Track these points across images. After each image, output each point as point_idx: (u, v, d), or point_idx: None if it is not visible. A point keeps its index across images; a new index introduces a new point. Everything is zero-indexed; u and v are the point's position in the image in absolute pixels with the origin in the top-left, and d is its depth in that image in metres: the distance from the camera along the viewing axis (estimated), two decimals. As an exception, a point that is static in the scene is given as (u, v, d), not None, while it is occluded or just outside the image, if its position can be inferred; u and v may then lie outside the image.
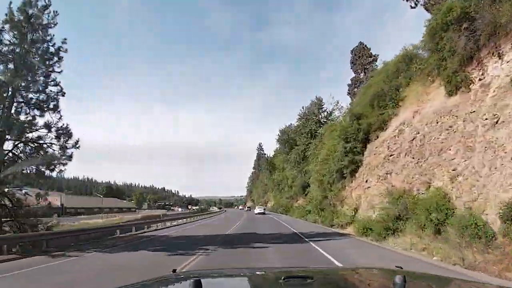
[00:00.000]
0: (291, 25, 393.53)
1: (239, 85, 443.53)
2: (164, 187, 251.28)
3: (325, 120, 44.11)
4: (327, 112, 45.26)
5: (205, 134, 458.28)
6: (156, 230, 24.78)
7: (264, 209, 55.89)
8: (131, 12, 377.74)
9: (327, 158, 27.58)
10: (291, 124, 49.98)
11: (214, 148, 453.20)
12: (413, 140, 16.32)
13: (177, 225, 30.35)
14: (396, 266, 2.10)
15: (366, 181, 21.51)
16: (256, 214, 50.59)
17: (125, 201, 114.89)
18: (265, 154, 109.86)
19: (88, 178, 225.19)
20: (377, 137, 21.53)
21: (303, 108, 47.04)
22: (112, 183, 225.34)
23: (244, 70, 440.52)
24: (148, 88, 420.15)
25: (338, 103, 41.02)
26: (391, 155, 18.79)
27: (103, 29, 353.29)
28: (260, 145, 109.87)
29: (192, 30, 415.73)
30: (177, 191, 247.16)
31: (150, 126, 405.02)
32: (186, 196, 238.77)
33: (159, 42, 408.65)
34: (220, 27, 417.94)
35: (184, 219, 36.52)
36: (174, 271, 2.16)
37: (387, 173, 18.66)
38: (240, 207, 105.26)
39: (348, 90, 42.30)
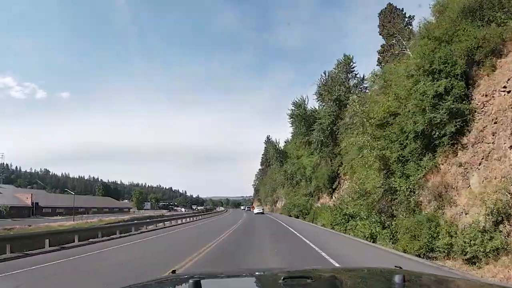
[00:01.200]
0: (298, 23, 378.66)
1: (246, 84, 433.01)
2: (171, 187, 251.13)
3: (357, 87, 30.99)
4: (358, 78, 32.16)
5: (213, 134, 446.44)
6: (129, 235, 19.44)
7: (263, 209, 58.94)
8: (134, 12, 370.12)
9: (389, 122, 14.61)
10: (306, 97, 36.97)
11: (222, 148, 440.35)
12: None
13: (167, 227, 26.33)
14: (395, 266, 2.05)
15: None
16: (255, 214, 52.59)
17: (117, 201, 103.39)
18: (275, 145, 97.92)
19: (94, 178, 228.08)
20: (493, 66, 11.53)
21: (324, 74, 34.17)
22: (119, 182, 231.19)
23: (251, 69, 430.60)
24: (154, 88, 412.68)
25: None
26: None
27: (105, 28, 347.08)
28: (268, 138, 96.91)
29: (197, 29, 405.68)
30: (185, 191, 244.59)
31: (157, 126, 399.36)
32: (194, 196, 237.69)
33: (165, 42, 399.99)
34: (225, 27, 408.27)
35: (180, 220, 33.26)
36: (174, 271, 2.21)
37: None
38: (242, 207, 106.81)
39: (378, 59, 29.22)
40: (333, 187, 27.58)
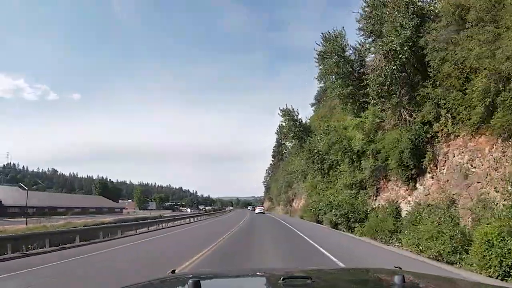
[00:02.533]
0: (307, 24, 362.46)
1: (256, 83, 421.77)
2: (181, 187, 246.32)
3: None
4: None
5: (225, 134, 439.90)
6: (102, 241, 16.10)
7: (263, 210, 63.25)
8: (142, 12, 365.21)
9: None
10: (342, 29, 22.23)
11: (234, 149, 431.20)
12: None
13: (160, 229, 23.88)
14: (395, 267, 2.04)
15: None
16: (256, 213, 54.61)
17: (111, 200, 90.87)
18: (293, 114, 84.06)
19: (102, 177, 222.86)
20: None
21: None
22: (128, 182, 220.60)
23: (260, 69, 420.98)
24: (166, 88, 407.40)
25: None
26: None
27: (112, 29, 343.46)
28: (284, 109, 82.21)
29: (205, 30, 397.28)
30: (196, 191, 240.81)
31: (168, 126, 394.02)
32: (205, 196, 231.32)
33: (172, 42, 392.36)
34: (234, 27, 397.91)
35: (177, 221, 31.06)
36: (173, 271, 2.11)
37: None
38: (249, 208, 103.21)
39: None
40: (421, 165, 13.35)
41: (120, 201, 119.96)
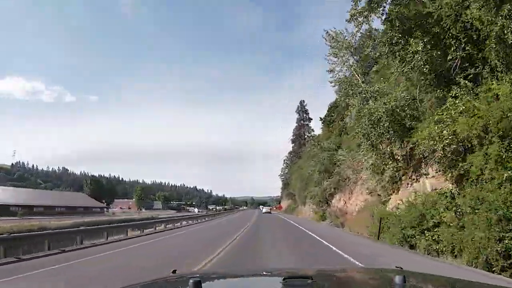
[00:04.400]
0: (317, 18, 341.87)
1: (273, 83, 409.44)
2: (196, 186, 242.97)
3: None
4: None
5: (239, 133, 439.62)
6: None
7: (270, 209, 67.04)
8: (154, 12, 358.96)
9: None
10: None
11: (248, 148, 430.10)
12: None
13: (144, 235, 18.70)
14: (396, 267, 2.04)
15: None
16: (263, 213, 56.45)
17: (93, 199, 75.34)
18: (308, 116, 66.63)
19: (114, 177, 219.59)
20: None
21: None
22: (140, 182, 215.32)
23: (275, 66, 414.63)
24: (179, 89, 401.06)
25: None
26: None
27: (123, 29, 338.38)
28: (301, 103, 65.24)
29: (213, 29, 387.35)
30: (210, 190, 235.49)
31: (182, 126, 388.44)
32: (219, 195, 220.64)
33: (183, 43, 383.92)
34: (243, 26, 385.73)
35: (171, 224, 25.75)
36: (174, 271, 2.06)
37: None
38: (261, 208, 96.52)
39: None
40: None
41: (116, 200, 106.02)
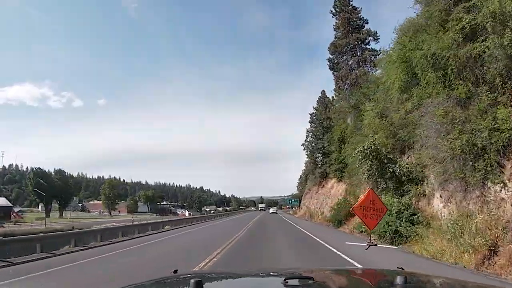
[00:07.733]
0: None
1: (285, 83, 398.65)
2: (202, 187, 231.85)
3: None
4: None
5: (251, 134, 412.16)
6: None
7: (277, 209, 71.69)
8: (168, 13, 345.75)
9: None
10: None
11: (260, 148, 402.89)
12: None
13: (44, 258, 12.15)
14: (397, 267, 2.04)
15: None
16: (270, 213, 62.18)
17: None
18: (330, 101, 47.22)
19: (115, 178, 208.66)
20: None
21: None
22: (144, 182, 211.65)
23: (287, 67, 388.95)
24: (191, 91, 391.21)
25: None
26: None
27: (139, 30, 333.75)
28: (323, 93, 47.46)
29: (231, 29, 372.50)
30: (219, 191, 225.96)
31: (195, 128, 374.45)
32: (227, 195, 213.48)
33: (198, 43, 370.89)
34: (260, 25, 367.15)
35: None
36: (175, 271, 2.05)
37: None
38: (270, 209, 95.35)
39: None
40: None
41: (78, 199, 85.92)
